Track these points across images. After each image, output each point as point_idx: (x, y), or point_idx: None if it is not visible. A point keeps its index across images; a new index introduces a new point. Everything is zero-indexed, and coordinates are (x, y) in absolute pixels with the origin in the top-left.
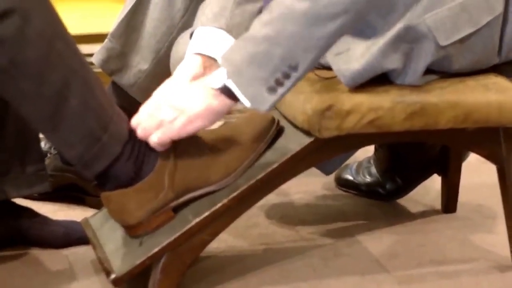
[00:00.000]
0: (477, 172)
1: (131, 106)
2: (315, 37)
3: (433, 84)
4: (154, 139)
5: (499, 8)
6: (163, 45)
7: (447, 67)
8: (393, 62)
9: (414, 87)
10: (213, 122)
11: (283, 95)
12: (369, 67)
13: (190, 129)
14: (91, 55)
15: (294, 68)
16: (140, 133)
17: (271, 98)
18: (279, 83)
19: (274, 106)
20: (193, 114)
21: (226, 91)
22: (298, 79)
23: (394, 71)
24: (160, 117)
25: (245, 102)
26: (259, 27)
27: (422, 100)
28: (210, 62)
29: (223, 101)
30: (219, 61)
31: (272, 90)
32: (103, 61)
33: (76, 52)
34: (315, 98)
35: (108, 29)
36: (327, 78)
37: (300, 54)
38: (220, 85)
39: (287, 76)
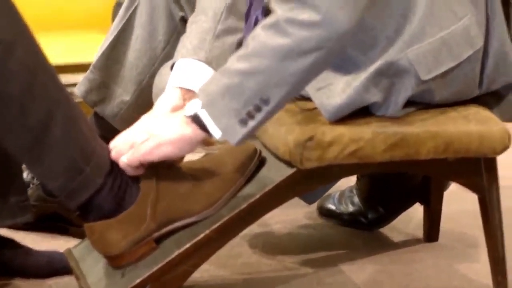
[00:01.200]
0: (459, 201)
1: (114, 137)
2: (287, 73)
3: (414, 116)
4: (124, 160)
5: (480, 42)
6: (145, 76)
7: (428, 99)
8: (374, 96)
9: (395, 118)
10: (183, 151)
11: (254, 129)
12: (350, 101)
13: (158, 154)
14: (74, 85)
15: (266, 102)
16: (113, 154)
17: (242, 131)
18: (250, 116)
19: (245, 139)
20: (163, 139)
21: (198, 121)
22: (270, 113)
23: (375, 104)
24: (133, 140)
25: (216, 133)
26: (234, 61)
27: (402, 130)
28: (189, 95)
29: (195, 131)
30: (196, 92)
31: (243, 122)
32: (86, 92)
33: (58, 83)
34: (297, 129)
35: (91, 59)
36: (308, 110)
37: (271, 89)
38: (192, 113)
39: (258, 109)
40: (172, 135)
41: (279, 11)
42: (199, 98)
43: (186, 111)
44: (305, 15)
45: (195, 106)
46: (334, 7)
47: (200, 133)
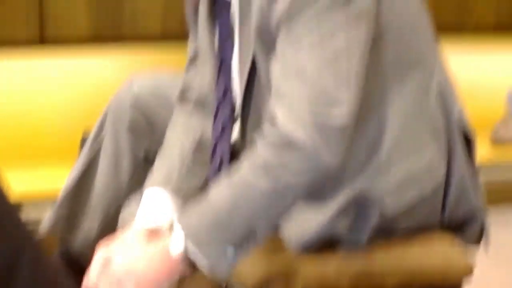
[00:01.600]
0: None
1: (81, 269)
2: (273, 209)
3: (378, 248)
4: None
5: (442, 173)
6: (111, 208)
7: (392, 231)
8: (340, 229)
9: (359, 251)
10: (169, 285)
11: (239, 259)
12: (317, 236)
13: None
14: (40, 217)
15: (251, 236)
16: None
17: (228, 263)
18: (237, 247)
19: (232, 270)
20: (150, 282)
21: (184, 257)
22: (254, 245)
23: (341, 235)
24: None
25: (204, 267)
26: (219, 196)
27: (367, 265)
28: (156, 229)
29: (181, 266)
30: (176, 227)
31: (230, 254)
32: (52, 225)
33: (21, 222)
34: (262, 262)
35: (57, 191)
36: (275, 241)
37: (256, 225)
38: (178, 251)
39: (244, 243)
40: (158, 274)
41: (267, 154)
42: (183, 233)
43: (170, 249)
44: (295, 164)
45: (179, 243)
46: (321, 149)
47: (183, 269)
